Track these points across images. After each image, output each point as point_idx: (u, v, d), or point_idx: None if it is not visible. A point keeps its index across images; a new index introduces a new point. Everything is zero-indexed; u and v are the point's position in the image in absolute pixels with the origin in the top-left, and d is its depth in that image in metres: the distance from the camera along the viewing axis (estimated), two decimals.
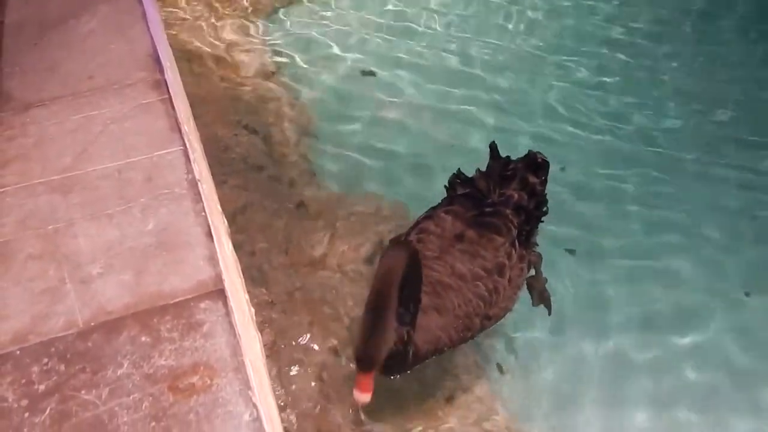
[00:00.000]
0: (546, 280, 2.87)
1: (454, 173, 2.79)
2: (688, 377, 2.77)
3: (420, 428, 2.48)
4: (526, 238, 2.63)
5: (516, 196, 2.62)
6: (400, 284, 2.07)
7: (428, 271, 2.40)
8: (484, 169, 2.77)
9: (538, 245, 2.81)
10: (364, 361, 2.03)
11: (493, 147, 2.79)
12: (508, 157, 2.77)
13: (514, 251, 2.55)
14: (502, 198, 2.62)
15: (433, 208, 2.70)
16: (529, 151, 2.75)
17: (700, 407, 2.67)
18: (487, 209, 2.57)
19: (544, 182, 2.74)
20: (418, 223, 2.65)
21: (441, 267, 2.45)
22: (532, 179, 2.67)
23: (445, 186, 2.79)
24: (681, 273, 3.13)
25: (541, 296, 2.85)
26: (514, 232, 2.56)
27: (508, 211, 2.57)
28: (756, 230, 3.32)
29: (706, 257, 3.18)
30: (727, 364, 2.82)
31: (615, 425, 2.62)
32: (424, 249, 2.48)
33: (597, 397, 2.68)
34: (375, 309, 2.05)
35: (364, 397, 2.04)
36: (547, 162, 2.74)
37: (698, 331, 2.91)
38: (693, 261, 3.16)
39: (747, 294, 3.06)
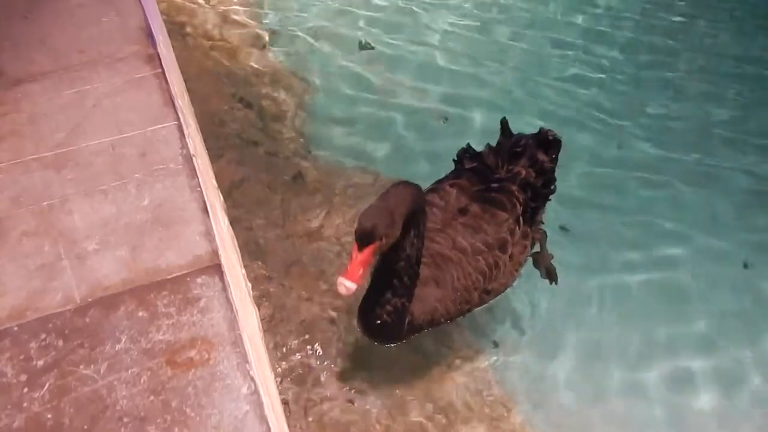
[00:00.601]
0: (552, 256, 2.87)
1: (463, 147, 2.76)
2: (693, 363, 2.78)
3: (417, 400, 2.50)
4: (531, 215, 2.62)
5: (524, 172, 2.59)
6: (406, 218, 2.07)
7: (429, 243, 2.40)
8: (493, 145, 2.74)
9: (543, 223, 2.81)
10: (362, 232, 1.95)
11: (504, 123, 2.74)
12: (519, 134, 2.74)
13: (517, 228, 2.55)
14: (510, 174, 2.60)
15: (439, 182, 2.69)
16: (541, 128, 2.72)
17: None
18: (494, 185, 2.56)
19: (554, 160, 2.70)
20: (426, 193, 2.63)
21: (443, 239, 2.46)
22: (542, 157, 2.64)
23: (454, 159, 2.76)
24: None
25: (548, 271, 2.86)
26: (519, 208, 2.55)
27: (514, 188, 2.56)
28: None
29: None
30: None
31: (606, 395, 2.64)
32: (427, 221, 2.39)
33: (590, 370, 2.70)
34: (384, 200, 2.06)
35: (347, 284, 1.92)
36: (559, 140, 2.69)
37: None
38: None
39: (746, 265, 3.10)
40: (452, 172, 2.73)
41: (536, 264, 2.84)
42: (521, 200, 2.56)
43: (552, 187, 2.72)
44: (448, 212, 2.53)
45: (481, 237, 2.48)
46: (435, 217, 2.52)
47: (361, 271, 1.96)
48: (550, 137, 2.67)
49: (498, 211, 2.52)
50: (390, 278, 2.24)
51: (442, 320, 2.47)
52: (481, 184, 2.57)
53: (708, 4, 4.62)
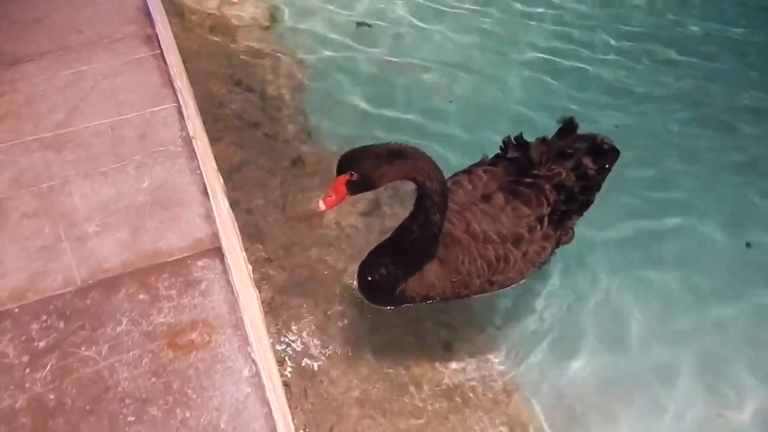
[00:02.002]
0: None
1: (510, 135, 2.66)
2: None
3: (418, 383, 2.51)
4: (559, 218, 2.55)
5: (563, 174, 2.52)
6: (394, 174, 2.14)
7: (445, 222, 2.40)
8: (546, 139, 2.66)
9: (572, 231, 2.75)
10: (339, 160, 2.11)
11: (569, 122, 2.64)
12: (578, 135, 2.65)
13: (539, 227, 2.50)
14: (549, 173, 2.52)
15: (475, 165, 2.66)
16: (596, 134, 2.62)
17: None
18: (527, 179, 2.50)
19: (603, 170, 2.60)
20: (455, 175, 2.64)
21: (457, 221, 2.46)
22: (587, 162, 2.55)
23: (501, 147, 2.66)
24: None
25: None
26: (547, 208, 2.49)
27: (547, 186, 2.50)
28: None
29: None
30: None
31: (609, 374, 2.63)
32: (449, 200, 2.42)
33: (592, 348, 2.69)
34: (382, 146, 2.13)
35: (320, 204, 2.14)
36: (614, 149, 2.59)
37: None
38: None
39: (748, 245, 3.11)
40: (492, 157, 2.67)
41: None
42: (551, 201, 2.50)
43: (591, 196, 2.62)
44: (471, 196, 2.52)
45: (496, 227, 2.46)
46: (458, 198, 2.51)
47: (332, 196, 2.13)
48: (605, 146, 2.58)
49: (522, 205, 2.48)
50: (397, 246, 2.37)
51: (437, 299, 2.50)
52: (514, 176, 2.52)
53: None
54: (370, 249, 2.49)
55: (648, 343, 2.71)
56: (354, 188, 2.14)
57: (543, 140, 2.63)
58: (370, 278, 2.44)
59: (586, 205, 2.65)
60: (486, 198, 2.50)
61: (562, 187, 2.51)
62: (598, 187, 2.65)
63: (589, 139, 2.60)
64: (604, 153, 2.59)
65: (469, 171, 2.62)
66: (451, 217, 2.45)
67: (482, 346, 2.66)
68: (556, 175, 2.52)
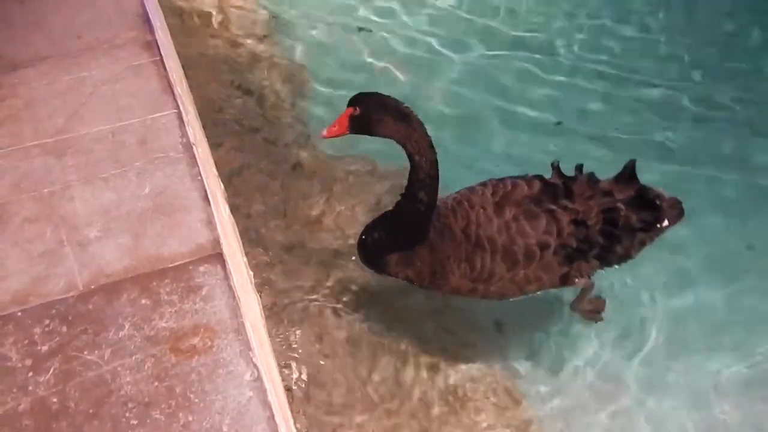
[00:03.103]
0: (595, 305, 2.75)
1: (556, 164, 2.52)
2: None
3: (421, 384, 2.54)
4: (569, 255, 2.42)
5: (589, 212, 2.38)
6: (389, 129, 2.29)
7: (449, 213, 2.48)
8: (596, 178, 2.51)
9: (590, 277, 2.57)
10: (355, 96, 2.31)
11: (630, 167, 2.47)
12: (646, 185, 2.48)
13: (539, 254, 2.40)
14: (572, 205, 2.39)
15: (513, 177, 2.56)
16: (644, 185, 2.46)
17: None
18: (550, 206, 2.40)
19: (651, 226, 2.42)
20: (491, 179, 2.58)
21: (460, 218, 2.46)
22: (627, 212, 2.39)
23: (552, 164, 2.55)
24: None
25: (582, 313, 2.77)
26: (554, 239, 2.38)
27: (565, 218, 2.38)
28: None
29: None
30: None
31: (611, 377, 2.65)
32: (463, 197, 2.50)
33: (592, 355, 2.71)
34: (394, 100, 2.32)
35: (324, 133, 2.34)
36: (676, 209, 2.46)
37: None
38: None
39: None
40: (533, 175, 2.54)
41: (572, 308, 2.76)
42: (564, 233, 2.38)
43: (617, 250, 2.45)
44: (487, 200, 2.46)
45: (492, 236, 2.40)
46: (475, 197, 2.49)
47: (336, 127, 2.33)
48: (657, 201, 2.42)
49: (528, 226, 2.38)
50: (392, 219, 2.52)
51: (415, 283, 2.57)
52: (540, 197, 2.42)
53: None
54: None
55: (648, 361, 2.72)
56: (354, 124, 2.32)
57: (591, 176, 2.49)
58: (363, 238, 2.62)
59: (611, 254, 2.47)
60: (498, 206, 2.43)
61: (582, 224, 2.38)
62: (641, 244, 2.49)
63: (642, 191, 2.44)
64: (654, 208, 2.42)
65: (502, 179, 2.55)
66: (457, 212, 2.47)
67: (485, 351, 2.68)
68: (581, 212, 2.38)
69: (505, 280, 2.44)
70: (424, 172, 2.32)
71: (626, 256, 2.52)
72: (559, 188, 2.42)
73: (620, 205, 2.39)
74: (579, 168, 2.50)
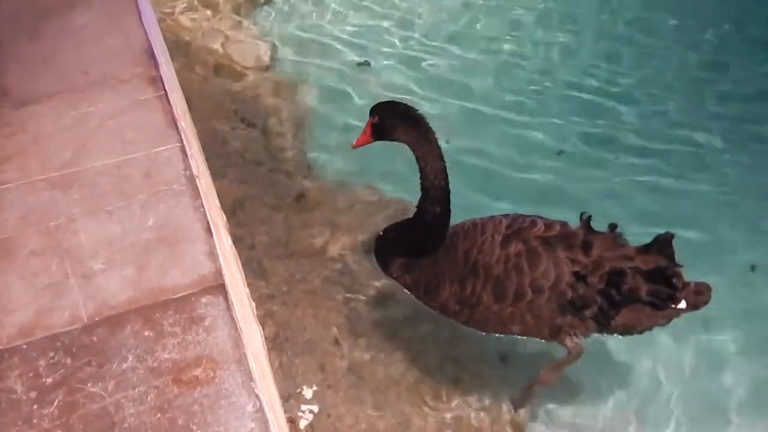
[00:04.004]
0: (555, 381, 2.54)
1: (588, 217, 2.42)
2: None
3: (425, 415, 2.53)
4: (562, 306, 2.32)
5: (600, 270, 2.27)
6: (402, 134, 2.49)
7: (462, 231, 2.57)
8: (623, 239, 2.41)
9: (578, 342, 2.44)
10: (374, 106, 2.57)
11: (664, 240, 2.31)
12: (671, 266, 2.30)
13: (530, 295, 2.33)
14: (588, 263, 2.30)
15: (538, 216, 2.53)
16: (669, 265, 2.28)
17: None
18: (558, 253, 2.32)
19: (654, 300, 2.27)
20: (516, 213, 2.57)
21: (467, 240, 2.51)
22: (626, 272, 2.26)
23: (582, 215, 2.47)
24: None
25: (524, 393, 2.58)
26: (548, 285, 2.31)
27: (568, 268, 2.29)
28: None
29: None
30: None
31: (615, 408, 2.63)
32: (480, 222, 2.55)
33: (597, 387, 2.70)
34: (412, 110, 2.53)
35: (353, 143, 2.64)
36: (676, 288, 2.26)
37: None
38: None
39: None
40: (557, 220, 2.48)
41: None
42: (562, 283, 2.30)
43: (616, 316, 2.32)
44: (499, 230, 2.45)
45: (488, 265, 2.38)
46: (488, 226, 2.49)
47: (362, 136, 2.60)
48: (674, 279, 2.25)
49: (526, 266, 2.33)
50: (408, 225, 2.70)
51: (409, 292, 2.69)
52: (552, 241, 2.35)
53: None
54: (371, 283, 2.77)
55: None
56: (375, 132, 2.56)
57: (618, 236, 2.37)
58: (380, 235, 2.84)
59: (608, 319, 2.33)
60: (507, 238, 2.41)
61: (582, 279, 2.29)
62: (650, 320, 2.35)
63: (661, 267, 2.27)
64: (669, 285, 2.26)
65: (525, 215, 2.52)
66: (468, 234, 2.53)
67: (491, 382, 2.66)
68: (587, 266, 2.29)
69: (490, 312, 2.42)
70: (429, 181, 2.47)
71: (630, 327, 2.38)
72: (576, 238, 2.34)
73: (628, 270, 2.27)
74: (612, 226, 2.40)
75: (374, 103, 2.64)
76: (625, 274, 2.27)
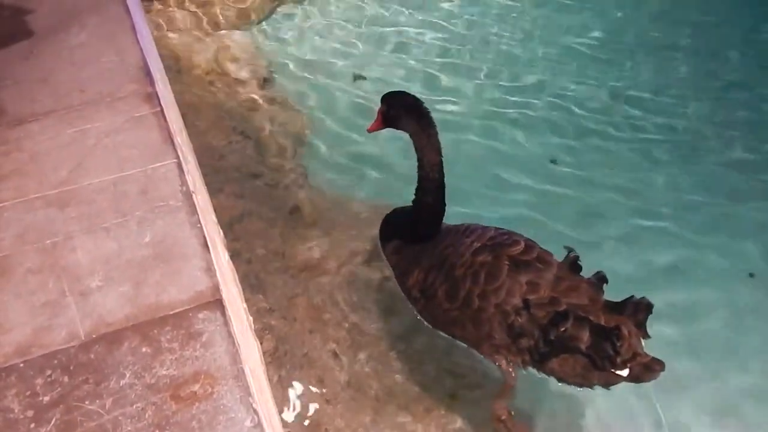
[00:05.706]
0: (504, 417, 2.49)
1: (574, 256, 2.40)
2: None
3: (424, 424, 2.53)
4: (501, 325, 2.33)
5: (554, 305, 2.24)
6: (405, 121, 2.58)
7: (450, 232, 2.66)
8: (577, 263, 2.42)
9: (514, 370, 2.44)
10: (384, 95, 2.68)
11: (641, 304, 2.22)
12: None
13: (477, 304, 2.37)
14: (544, 293, 2.28)
15: (531, 240, 2.53)
16: (621, 326, 2.14)
17: None
18: (521, 276, 2.32)
19: (593, 358, 2.18)
20: (509, 230, 2.59)
21: (450, 239, 2.61)
22: (569, 317, 2.19)
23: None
24: None
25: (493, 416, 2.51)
26: (494, 301, 2.35)
27: (520, 291, 2.30)
28: None
29: None
30: None
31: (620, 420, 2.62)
32: (471, 228, 2.64)
33: (601, 396, 2.64)
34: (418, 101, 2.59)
35: (369, 127, 2.77)
36: (612, 358, 2.13)
37: None
38: None
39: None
40: (545, 250, 2.47)
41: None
42: (508, 304, 2.31)
43: (550, 358, 2.28)
44: (482, 238, 2.50)
45: (452, 267, 2.47)
46: (475, 233, 2.56)
47: (375, 123, 2.73)
48: (618, 343, 2.12)
49: (482, 275, 2.38)
50: (409, 213, 2.78)
51: (397, 276, 2.80)
52: (522, 262, 2.36)
53: None
54: (369, 296, 2.78)
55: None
56: (385, 119, 2.68)
57: (592, 286, 2.31)
58: (387, 215, 2.97)
59: (539, 356, 2.30)
60: (482, 248, 2.45)
61: (526, 306, 2.28)
62: (584, 377, 2.26)
63: (608, 328, 2.16)
64: (613, 346, 2.13)
65: (514, 233, 2.54)
66: (453, 235, 2.61)
67: (488, 394, 2.64)
68: (539, 296, 2.26)
69: (441, 309, 2.50)
70: (424, 172, 2.56)
71: (567, 375, 2.31)
72: (549, 271, 2.32)
73: (571, 315, 2.19)
74: (598, 275, 2.33)
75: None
76: (568, 318, 2.19)
